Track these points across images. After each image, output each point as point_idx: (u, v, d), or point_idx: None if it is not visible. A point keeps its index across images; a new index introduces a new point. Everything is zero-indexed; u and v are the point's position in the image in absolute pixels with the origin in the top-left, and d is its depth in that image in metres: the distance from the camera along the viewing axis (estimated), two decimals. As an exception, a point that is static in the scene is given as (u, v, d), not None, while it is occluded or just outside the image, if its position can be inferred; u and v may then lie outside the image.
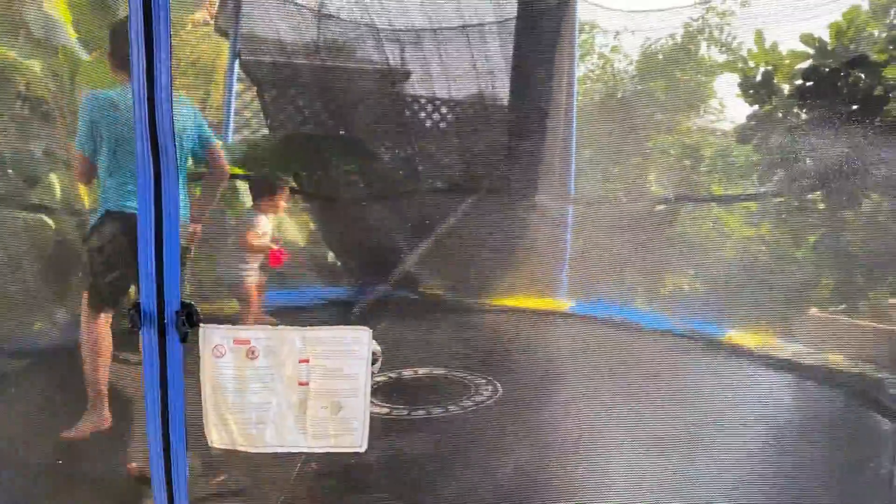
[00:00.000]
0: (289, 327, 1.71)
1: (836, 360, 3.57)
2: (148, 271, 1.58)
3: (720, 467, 2.94)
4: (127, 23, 3.33)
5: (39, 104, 4.19)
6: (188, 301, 1.65)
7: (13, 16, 4.03)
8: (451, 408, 3.25)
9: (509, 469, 2.75)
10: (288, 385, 1.70)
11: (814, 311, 4.02)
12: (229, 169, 3.10)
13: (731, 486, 2.80)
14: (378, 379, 3.51)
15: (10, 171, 4.10)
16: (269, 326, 1.71)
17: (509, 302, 4.98)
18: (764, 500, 2.65)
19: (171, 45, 1.47)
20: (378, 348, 3.48)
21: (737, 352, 3.92)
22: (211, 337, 1.67)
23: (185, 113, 2.99)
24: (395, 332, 4.31)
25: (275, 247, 4.22)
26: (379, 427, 3.16)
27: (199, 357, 1.69)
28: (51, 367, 3.52)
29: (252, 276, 4.18)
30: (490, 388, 3.44)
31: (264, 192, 4.38)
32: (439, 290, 5.16)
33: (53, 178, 4.45)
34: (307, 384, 1.72)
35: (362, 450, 1.77)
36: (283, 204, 4.37)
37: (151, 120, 1.49)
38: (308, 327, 1.72)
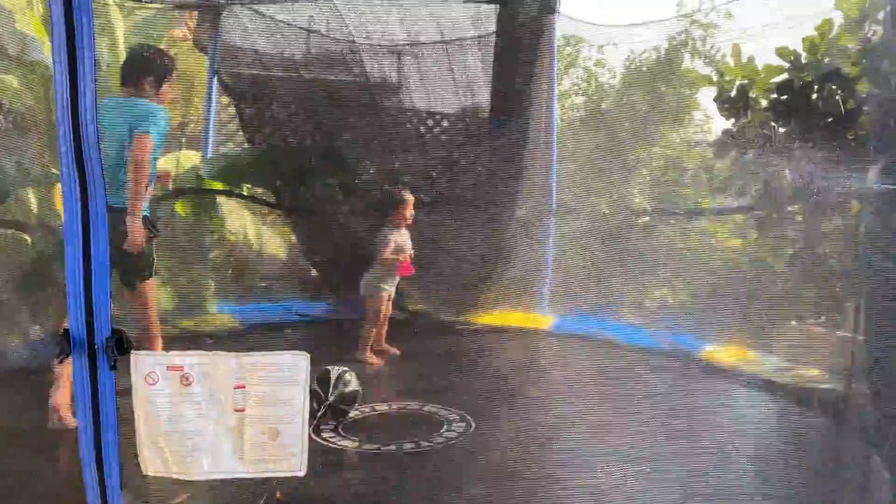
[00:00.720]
0: (224, 353, 1.67)
1: (811, 374, 3.54)
2: (77, 294, 1.54)
3: (704, 486, 2.90)
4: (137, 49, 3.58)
5: (14, 118, 4.18)
6: (118, 327, 1.60)
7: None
8: (423, 444, 3.21)
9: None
10: (224, 411, 1.66)
11: (793, 323, 3.99)
12: (144, 160, 3.10)
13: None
14: (352, 414, 3.48)
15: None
16: (204, 352, 1.66)
17: (491, 319, 4.94)
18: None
19: (94, 57, 1.44)
20: (359, 389, 3.47)
21: (715, 367, 3.88)
22: (142, 364, 1.62)
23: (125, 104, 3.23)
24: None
25: (402, 259, 4.41)
26: (347, 461, 3.15)
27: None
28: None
29: (388, 290, 4.45)
30: (463, 423, 3.40)
31: (390, 205, 4.50)
32: (422, 305, 5.13)
33: (30, 194, 4.44)
34: (244, 410, 1.68)
35: (301, 474, 1.73)
36: (409, 213, 4.46)
37: (76, 134, 1.45)
38: (244, 353, 1.67)
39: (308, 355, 1.71)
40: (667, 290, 4.57)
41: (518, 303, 5.08)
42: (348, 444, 3.21)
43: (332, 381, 3.35)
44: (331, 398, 3.32)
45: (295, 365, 1.69)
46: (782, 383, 3.61)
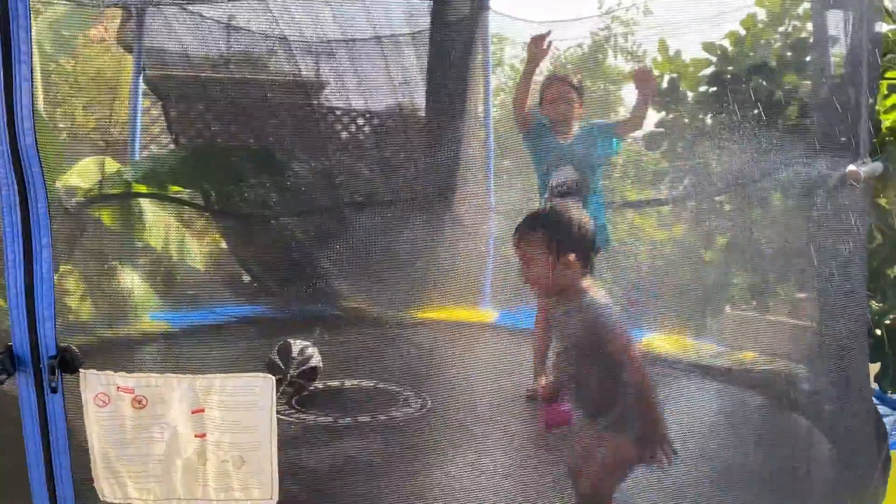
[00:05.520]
0: (179, 375, 1.55)
1: (751, 357, 3.65)
2: (19, 308, 1.43)
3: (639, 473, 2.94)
4: None
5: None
6: (64, 344, 1.48)
7: None
8: (380, 417, 3.18)
9: (434, 480, 2.69)
10: (182, 437, 1.54)
11: (727, 309, 4.12)
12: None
13: (652, 490, 2.81)
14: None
15: None
16: (155, 374, 1.55)
17: (432, 315, 4.91)
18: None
19: (31, 62, 1.34)
20: (320, 365, 3.37)
21: (654, 356, 3.96)
22: (92, 383, 1.50)
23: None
24: (323, 346, 4.20)
25: None
26: (303, 432, 3.06)
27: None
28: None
29: None
30: (419, 400, 3.38)
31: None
32: (360, 304, 5.05)
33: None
34: (204, 436, 1.56)
35: (273, 502, 1.63)
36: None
37: (12, 134, 1.35)
38: (200, 375, 1.55)
39: (273, 378, 1.60)
40: (604, 281, 4.64)
41: (459, 299, 5.07)
42: (303, 416, 3.14)
43: (295, 355, 3.26)
44: (292, 373, 3.22)
45: (258, 388, 1.59)
46: (719, 367, 3.72)
